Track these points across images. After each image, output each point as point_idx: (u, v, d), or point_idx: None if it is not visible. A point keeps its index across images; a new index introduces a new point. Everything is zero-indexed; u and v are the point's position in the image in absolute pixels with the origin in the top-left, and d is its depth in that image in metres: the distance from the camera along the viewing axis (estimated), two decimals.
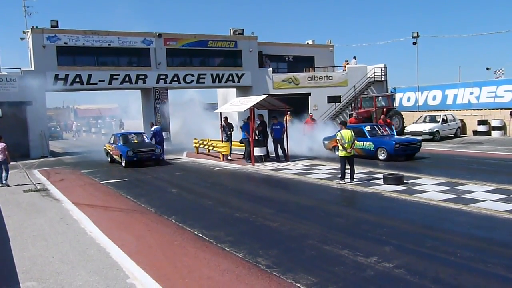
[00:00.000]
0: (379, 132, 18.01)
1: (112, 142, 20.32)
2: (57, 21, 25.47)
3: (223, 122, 19.78)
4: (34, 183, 15.22)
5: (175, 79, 28.48)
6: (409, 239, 7.30)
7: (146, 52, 27.82)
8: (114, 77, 26.71)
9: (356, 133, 17.92)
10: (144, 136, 20.52)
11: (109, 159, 20.55)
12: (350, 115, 27.39)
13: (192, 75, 29.01)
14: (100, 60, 26.88)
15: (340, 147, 12.57)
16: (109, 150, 20.52)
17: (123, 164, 18.37)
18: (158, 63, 27.91)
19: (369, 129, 17.94)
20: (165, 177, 15.69)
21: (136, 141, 19.72)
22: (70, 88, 26.49)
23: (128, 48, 27.39)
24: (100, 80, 26.35)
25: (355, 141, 13.05)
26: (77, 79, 25.70)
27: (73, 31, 25.93)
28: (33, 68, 24.83)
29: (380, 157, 16.86)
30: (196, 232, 8.20)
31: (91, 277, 6.17)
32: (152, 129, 21.06)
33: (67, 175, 17.23)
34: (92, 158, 22.22)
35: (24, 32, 27.10)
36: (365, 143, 17.33)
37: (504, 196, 9.88)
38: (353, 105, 30.07)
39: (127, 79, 27.07)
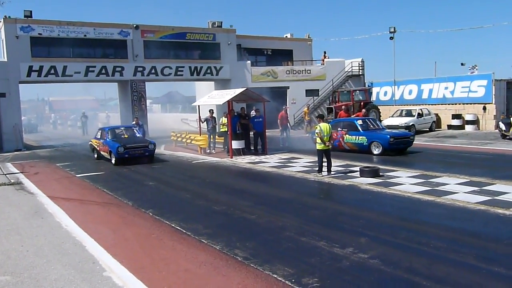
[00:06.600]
0: (371, 126, 17.51)
1: (99, 137, 18.19)
2: (31, 11, 24.87)
3: (208, 116, 19.52)
4: (8, 176, 14.90)
5: (153, 71, 28.18)
6: (384, 231, 7.44)
7: (123, 44, 27.40)
8: (90, 69, 26.25)
9: (347, 127, 17.77)
10: (134, 131, 18.63)
11: (96, 155, 18.52)
12: (329, 109, 27.55)
13: (170, 68, 28.75)
14: (75, 52, 26.31)
15: (318, 140, 12.66)
16: (95, 146, 18.43)
17: (113, 161, 16.55)
18: (135, 55, 27.54)
19: (361, 122, 17.39)
20: (142, 170, 15.54)
21: (126, 136, 17.59)
22: (45, 80, 26.02)
23: (105, 40, 26.93)
24: (75, 72, 25.86)
25: (334, 135, 13.17)
26: (52, 71, 25.18)
27: (47, 21, 25.35)
28: (5, 59, 24.21)
29: (375, 152, 16.31)
30: (173, 225, 8.18)
31: (67, 271, 6.10)
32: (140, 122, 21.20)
33: (42, 168, 16.92)
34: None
35: None
36: (357, 137, 16.84)
37: (476, 188, 10.13)
38: (330, 98, 30.28)
39: (103, 71, 26.65)
